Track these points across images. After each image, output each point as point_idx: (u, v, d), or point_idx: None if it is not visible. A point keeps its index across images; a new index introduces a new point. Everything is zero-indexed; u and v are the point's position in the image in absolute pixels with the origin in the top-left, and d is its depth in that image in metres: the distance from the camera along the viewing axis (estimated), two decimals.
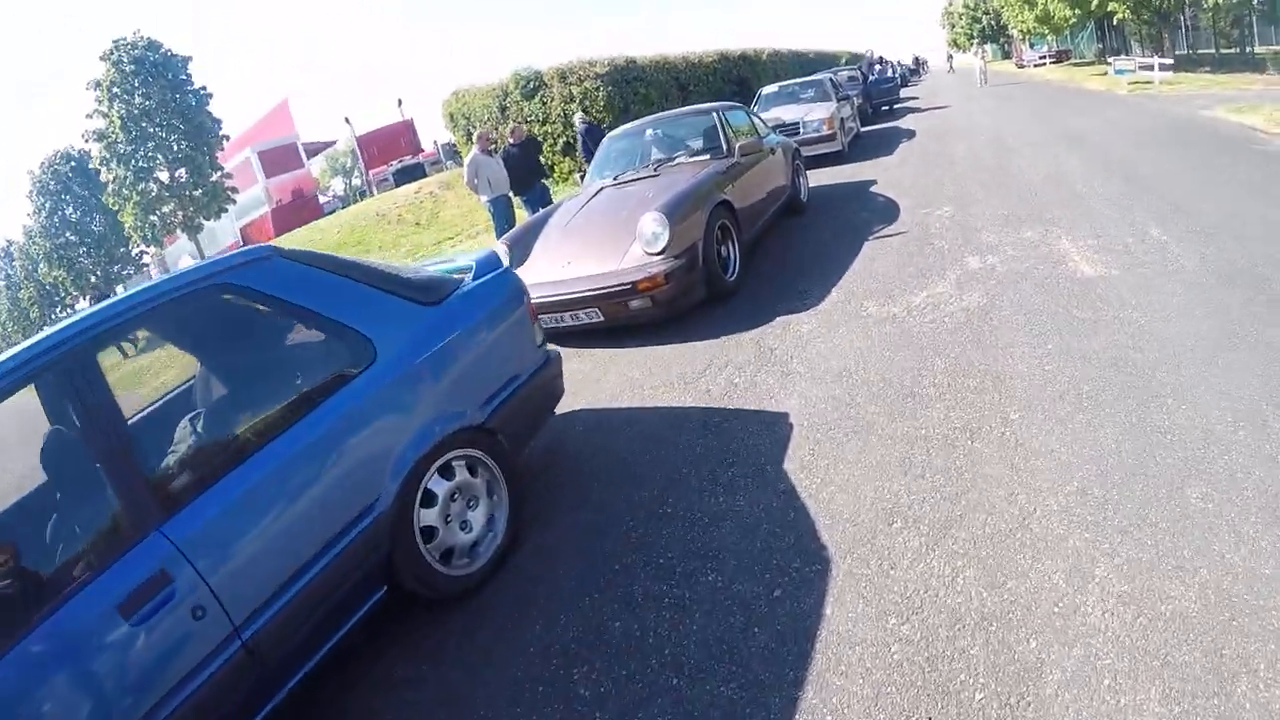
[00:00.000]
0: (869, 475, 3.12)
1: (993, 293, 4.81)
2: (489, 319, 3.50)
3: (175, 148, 16.01)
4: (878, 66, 20.69)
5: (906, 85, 40.18)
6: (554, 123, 16.54)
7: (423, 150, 37.16)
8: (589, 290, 5.22)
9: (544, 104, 16.50)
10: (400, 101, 37.64)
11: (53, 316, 27.72)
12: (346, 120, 41.58)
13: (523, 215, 10.21)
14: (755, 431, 3.70)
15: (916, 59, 59.00)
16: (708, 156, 6.77)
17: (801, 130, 11.65)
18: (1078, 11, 25.31)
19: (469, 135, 18.87)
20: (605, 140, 7.93)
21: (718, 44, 27.73)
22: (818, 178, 10.62)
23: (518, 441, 3.55)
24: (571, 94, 16.03)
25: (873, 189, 9.34)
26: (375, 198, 26.32)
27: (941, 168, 10.12)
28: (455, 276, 3.69)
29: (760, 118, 8.89)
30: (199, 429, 2.80)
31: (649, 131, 7.55)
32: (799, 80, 14.38)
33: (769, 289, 5.92)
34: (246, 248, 3.04)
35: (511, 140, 10.84)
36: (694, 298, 5.49)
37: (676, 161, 6.87)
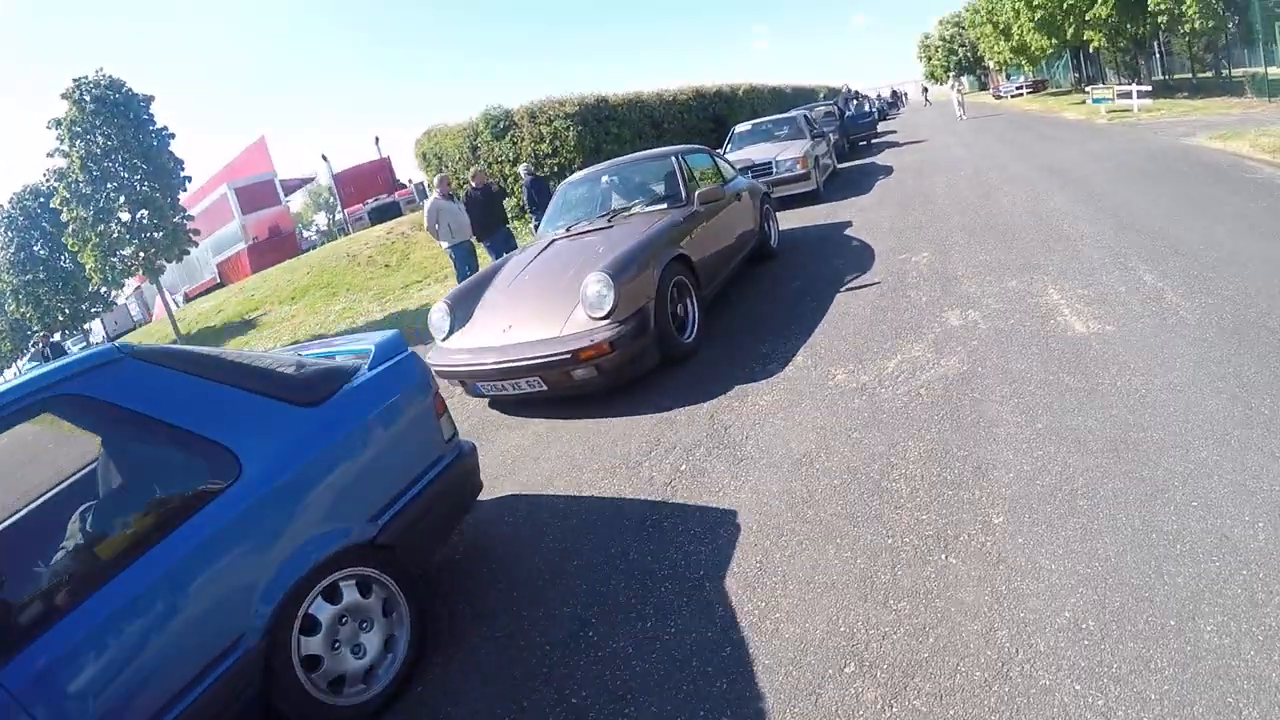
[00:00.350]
0: (823, 600, 2.58)
1: (974, 356, 4.29)
2: (382, 416, 3.04)
3: (137, 188, 15.49)
4: (854, 102, 20.43)
5: (885, 119, 40.40)
6: (527, 163, 16.19)
7: (401, 188, 37.00)
8: (529, 359, 4.70)
9: (514, 144, 16.15)
10: (377, 139, 37.21)
11: (25, 349, 27.30)
12: (324, 157, 41.48)
13: (487, 261, 9.76)
14: (698, 534, 3.15)
15: (894, 92, 59.71)
16: (665, 205, 6.30)
17: (774, 170, 11.27)
18: (1054, 41, 25.32)
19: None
20: (562, 185, 7.47)
21: (693, 80, 27.19)
22: (790, 220, 10.21)
23: (420, 553, 3.05)
24: (541, 134, 15.70)
25: (847, 231, 8.90)
26: (348, 237, 25.92)
27: (920, 207, 9.72)
28: (351, 363, 3.21)
29: (726, 159, 8.47)
30: (37, 563, 2.41)
31: (605, 178, 7.10)
32: (772, 118, 14.08)
33: (729, 351, 5.41)
34: (92, 350, 2.57)
35: (474, 184, 10.45)
36: (646, 364, 4.97)
37: (632, 211, 6.40)
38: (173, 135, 16.58)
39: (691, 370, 5.13)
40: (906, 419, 3.69)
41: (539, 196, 10.55)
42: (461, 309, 5.54)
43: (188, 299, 33.68)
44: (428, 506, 3.02)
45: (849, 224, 9.30)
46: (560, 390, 4.82)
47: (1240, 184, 7.83)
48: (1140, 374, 3.61)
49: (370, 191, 36.42)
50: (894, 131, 27.05)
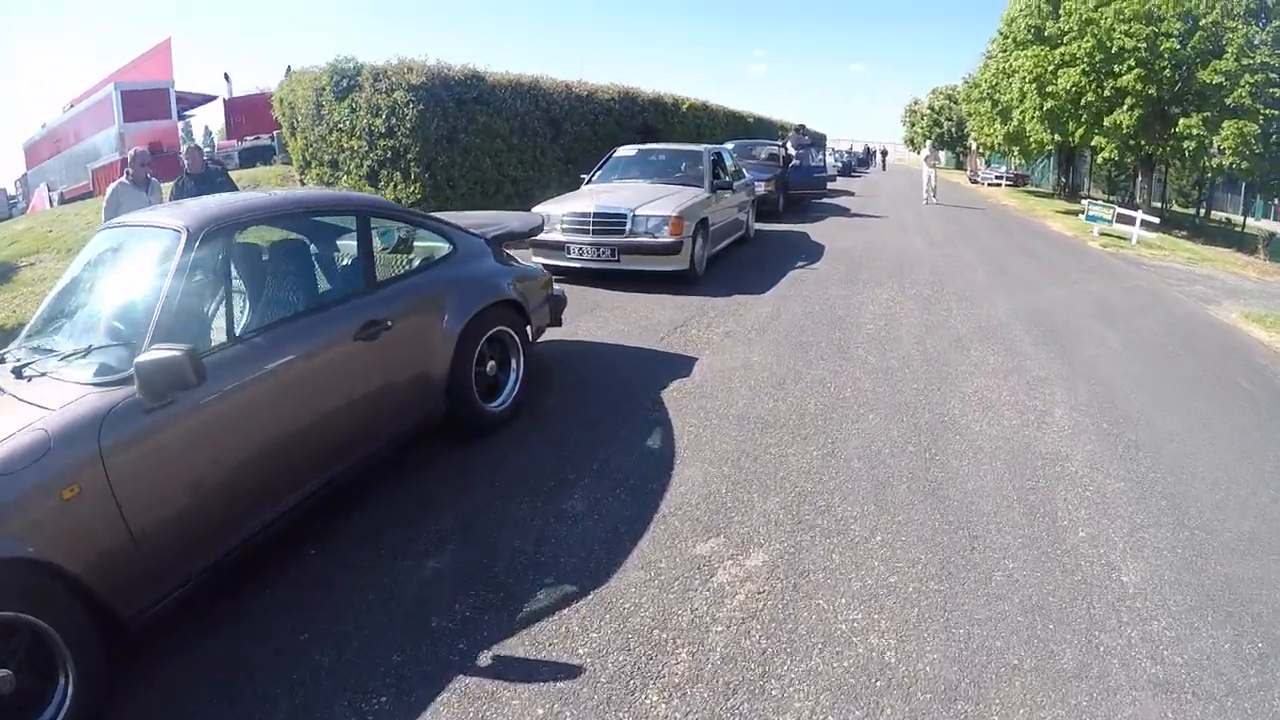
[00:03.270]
0: None
1: None
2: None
3: None
4: (805, 150, 16.00)
5: (849, 174, 36.99)
6: (359, 136, 11.66)
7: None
8: None
9: (353, 110, 11.59)
10: (226, 76, 32.03)
11: None
12: (225, 76, 35.83)
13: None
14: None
15: (868, 149, 56.81)
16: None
17: (628, 228, 7.13)
18: (1055, 138, 21.94)
19: (294, 129, 13.90)
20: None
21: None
22: (607, 322, 6.19)
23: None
24: (378, 105, 11.21)
25: (669, 388, 4.86)
26: None
27: (824, 353, 5.73)
28: None
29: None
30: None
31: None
32: (670, 147, 9.86)
33: None
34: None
35: (187, 168, 7.17)
36: None
37: None
38: None
39: None
40: None
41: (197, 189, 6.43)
42: None
43: (64, 200, 28.84)
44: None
45: (684, 369, 5.26)
46: None
47: None
48: None
49: (266, 126, 31.36)
50: (850, 193, 23.28)
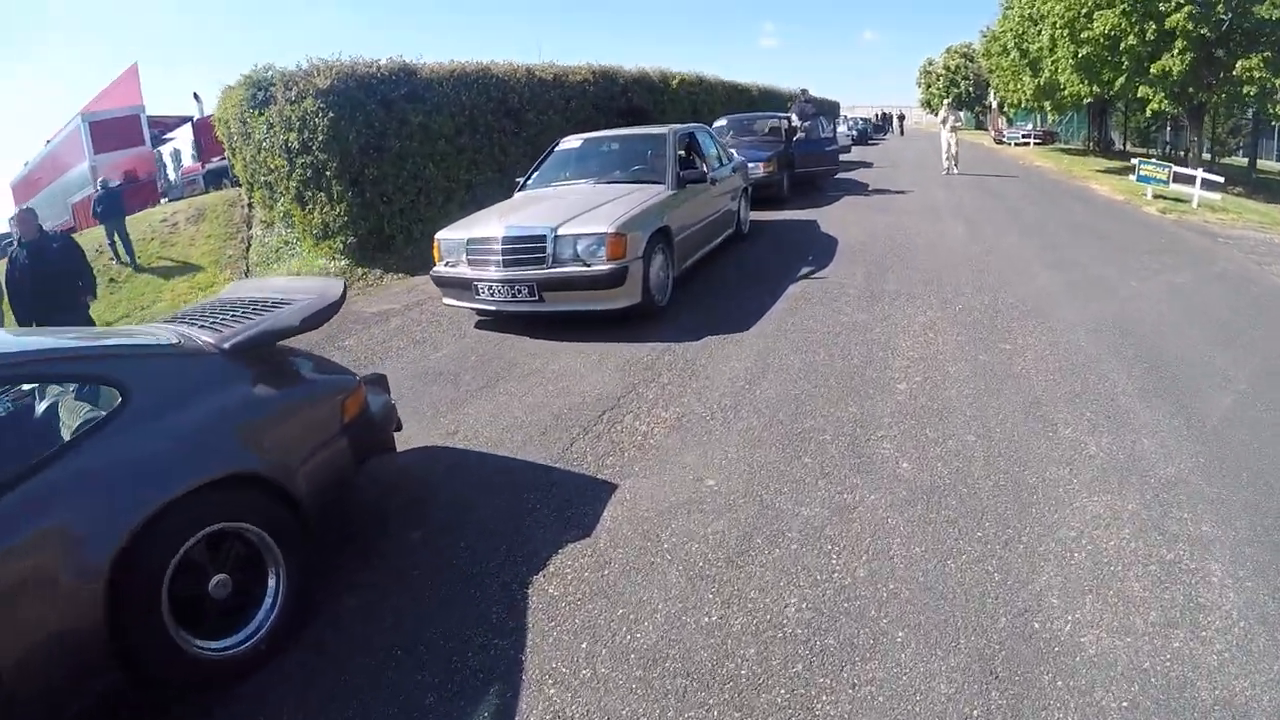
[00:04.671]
0: None
1: None
2: None
3: None
4: (811, 119, 13.51)
5: (867, 142, 34.52)
6: (279, 154, 9.78)
7: None
8: None
9: (270, 125, 9.68)
10: (196, 96, 30.32)
11: None
12: (196, 96, 34.09)
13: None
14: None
15: (884, 114, 54.06)
16: None
17: (550, 254, 5.21)
18: (1093, 89, 19.43)
19: (234, 150, 12.16)
20: None
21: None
22: (508, 404, 4.37)
23: None
24: (290, 118, 9.29)
25: (540, 582, 2.93)
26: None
27: (827, 459, 3.79)
28: None
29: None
30: None
31: None
32: (622, 133, 7.73)
33: None
34: None
35: (19, 236, 6.43)
36: None
37: None
38: None
39: None
40: None
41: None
42: None
43: None
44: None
45: (538, 560, 3.33)
46: None
47: None
48: None
49: None
50: (867, 165, 21.00)
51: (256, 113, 9.92)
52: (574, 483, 3.58)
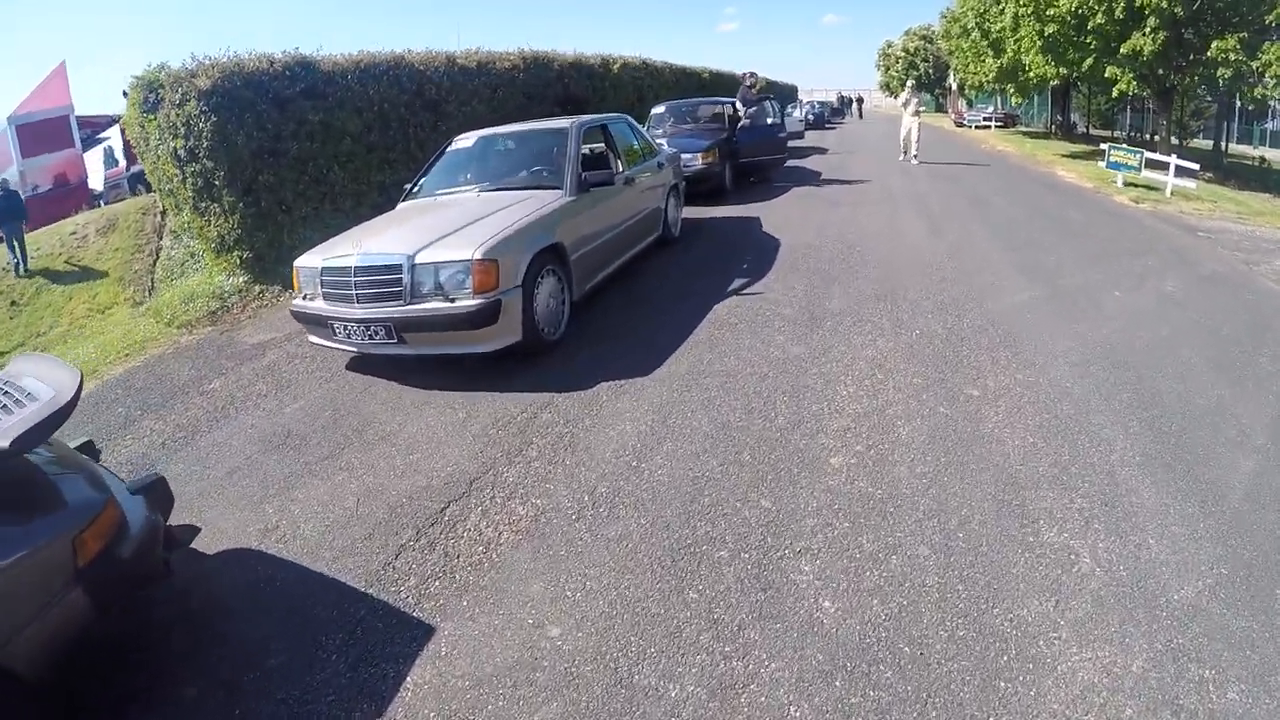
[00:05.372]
0: None
1: None
2: None
3: None
4: (759, 103, 12.25)
5: (823, 126, 33.58)
6: (169, 162, 8.46)
7: None
8: None
9: (160, 131, 8.34)
10: (126, 94, 28.41)
11: None
12: (125, 94, 32.12)
13: None
14: None
15: (841, 97, 53.53)
16: None
17: (408, 287, 4.14)
18: (1059, 71, 18.54)
19: (141, 155, 10.75)
20: None
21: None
22: (340, 490, 3.19)
23: None
24: (175, 122, 7.98)
25: None
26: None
27: (720, 602, 2.76)
28: None
29: None
30: None
31: None
32: (521, 129, 6.42)
33: None
34: None
35: None
36: None
37: None
38: None
39: None
40: None
41: None
42: None
43: None
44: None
45: None
46: None
47: None
48: None
49: None
50: (821, 150, 19.96)
51: (150, 117, 8.61)
52: (384, 623, 2.58)
